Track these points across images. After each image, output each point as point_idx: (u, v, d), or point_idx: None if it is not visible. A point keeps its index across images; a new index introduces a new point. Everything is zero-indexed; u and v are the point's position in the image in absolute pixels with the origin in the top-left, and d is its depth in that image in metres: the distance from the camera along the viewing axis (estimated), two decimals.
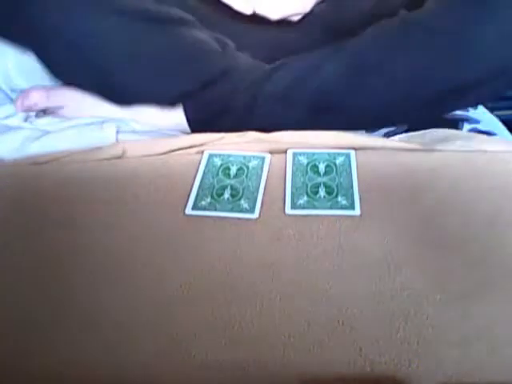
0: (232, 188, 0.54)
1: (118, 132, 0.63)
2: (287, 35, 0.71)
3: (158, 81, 0.65)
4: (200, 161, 0.57)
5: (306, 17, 0.69)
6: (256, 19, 0.67)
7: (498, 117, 0.77)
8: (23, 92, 0.69)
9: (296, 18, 0.68)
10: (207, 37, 0.66)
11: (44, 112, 0.71)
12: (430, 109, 0.65)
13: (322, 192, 0.53)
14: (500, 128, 0.74)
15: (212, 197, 0.53)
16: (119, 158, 0.59)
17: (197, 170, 0.56)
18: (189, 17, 0.66)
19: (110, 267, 0.47)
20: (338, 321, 0.43)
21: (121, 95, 0.67)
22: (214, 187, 0.54)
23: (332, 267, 0.47)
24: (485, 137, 0.64)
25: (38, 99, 0.69)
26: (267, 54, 0.68)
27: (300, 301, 0.44)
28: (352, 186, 0.54)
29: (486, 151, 0.57)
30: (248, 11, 0.65)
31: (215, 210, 0.52)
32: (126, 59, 0.63)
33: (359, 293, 0.45)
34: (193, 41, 0.65)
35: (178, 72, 0.65)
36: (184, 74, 0.65)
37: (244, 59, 0.68)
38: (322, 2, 0.69)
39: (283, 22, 0.68)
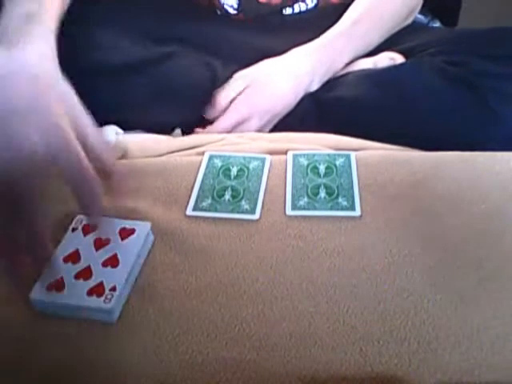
0: (233, 189, 0.54)
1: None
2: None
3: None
4: (200, 162, 0.57)
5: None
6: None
7: None
8: None
9: None
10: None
11: None
12: None
13: (322, 193, 0.54)
14: None
15: (213, 198, 0.53)
16: (121, 158, 0.59)
17: (197, 171, 0.56)
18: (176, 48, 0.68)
19: None
20: (339, 321, 0.43)
21: None
22: (214, 188, 0.55)
23: (332, 268, 0.47)
24: None
25: None
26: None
27: (301, 301, 0.44)
28: (352, 187, 0.54)
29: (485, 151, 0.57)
30: None
31: (216, 211, 0.52)
32: None
33: (360, 293, 0.45)
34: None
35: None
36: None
37: None
38: None
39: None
